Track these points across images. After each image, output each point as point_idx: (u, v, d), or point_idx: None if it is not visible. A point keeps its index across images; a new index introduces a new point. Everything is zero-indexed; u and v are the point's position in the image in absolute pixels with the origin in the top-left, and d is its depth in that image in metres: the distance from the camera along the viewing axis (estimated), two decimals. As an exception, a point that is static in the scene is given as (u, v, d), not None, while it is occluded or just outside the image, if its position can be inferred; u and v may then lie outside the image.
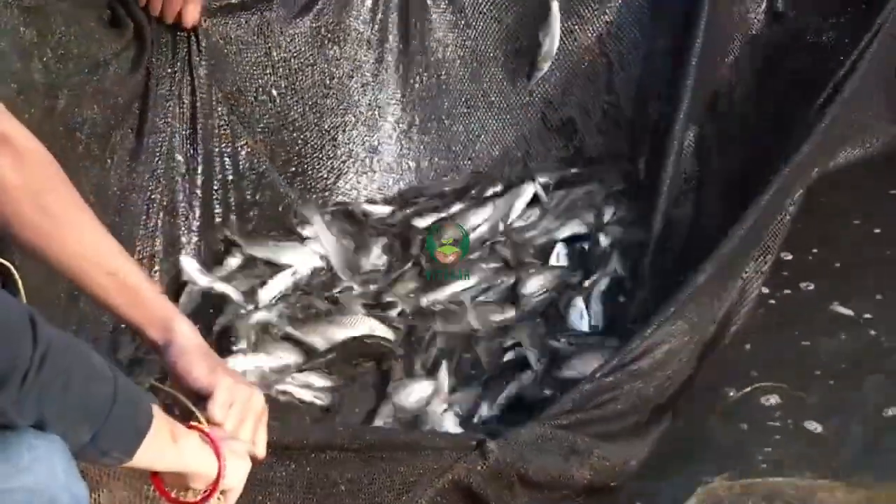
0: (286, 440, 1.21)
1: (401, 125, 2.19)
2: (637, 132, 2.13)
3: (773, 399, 1.62)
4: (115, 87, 1.80)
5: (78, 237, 1.09)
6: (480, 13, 2.19)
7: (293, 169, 2.14)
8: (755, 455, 1.50)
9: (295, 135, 2.11)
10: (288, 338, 1.73)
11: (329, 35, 2.12)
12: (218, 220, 1.99)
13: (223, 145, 2.04)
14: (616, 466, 1.39)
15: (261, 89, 2.07)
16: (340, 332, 1.74)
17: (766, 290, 1.86)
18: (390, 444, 1.37)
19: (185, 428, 1.00)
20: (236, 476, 1.03)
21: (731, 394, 1.62)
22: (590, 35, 2.12)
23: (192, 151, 1.95)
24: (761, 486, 1.42)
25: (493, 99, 2.19)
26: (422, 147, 2.19)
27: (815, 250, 1.98)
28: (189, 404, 1.01)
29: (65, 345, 0.90)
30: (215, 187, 2.02)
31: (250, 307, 1.80)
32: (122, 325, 1.25)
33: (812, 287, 1.92)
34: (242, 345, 1.69)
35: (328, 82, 2.13)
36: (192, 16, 1.84)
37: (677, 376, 1.55)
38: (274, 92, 2.10)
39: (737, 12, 2.04)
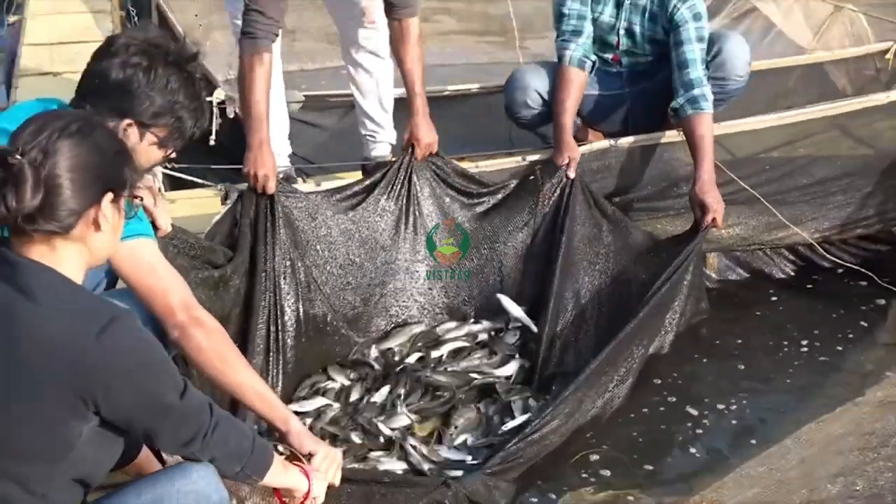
0: (346, 476, 1.75)
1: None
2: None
3: (595, 457, 2.10)
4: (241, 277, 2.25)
5: (243, 376, 1.65)
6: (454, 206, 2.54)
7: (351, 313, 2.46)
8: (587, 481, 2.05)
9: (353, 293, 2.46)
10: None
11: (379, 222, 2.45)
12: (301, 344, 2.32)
13: (302, 301, 2.34)
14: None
15: (334, 257, 2.41)
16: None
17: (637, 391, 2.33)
18: (399, 480, 1.98)
19: (290, 464, 1.55)
20: (319, 490, 1.58)
21: (576, 456, 2.10)
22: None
23: (280, 308, 2.27)
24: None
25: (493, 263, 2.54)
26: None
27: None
28: (302, 458, 1.58)
29: (226, 417, 1.43)
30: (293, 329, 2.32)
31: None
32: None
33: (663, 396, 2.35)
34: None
35: (371, 252, 2.46)
36: (270, 188, 2.24)
37: (553, 445, 2.08)
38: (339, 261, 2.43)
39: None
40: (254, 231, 2.29)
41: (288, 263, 2.34)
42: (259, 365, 2.24)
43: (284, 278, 2.33)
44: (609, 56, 2.73)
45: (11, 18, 4.06)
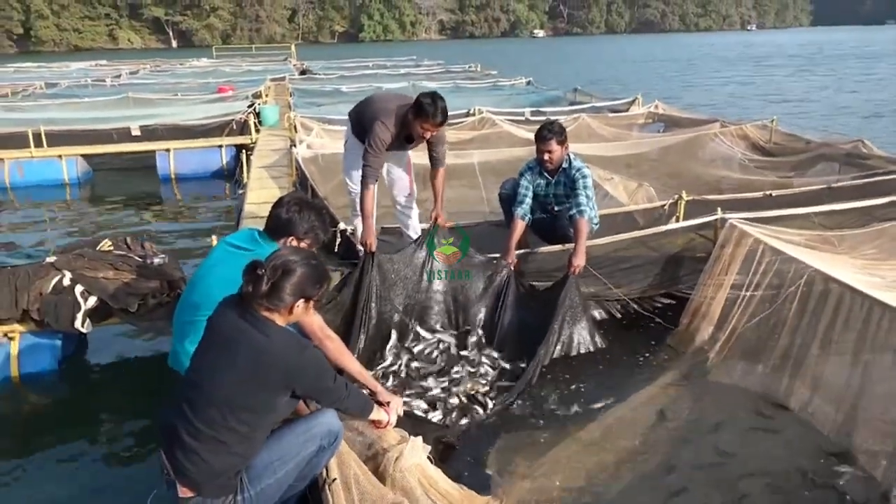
0: (405, 412, 2.20)
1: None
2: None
3: (528, 403, 2.80)
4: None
5: (352, 365, 2.21)
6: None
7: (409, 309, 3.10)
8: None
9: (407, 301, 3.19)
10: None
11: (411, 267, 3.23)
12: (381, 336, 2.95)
13: (381, 307, 3.09)
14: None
15: (399, 281, 3.17)
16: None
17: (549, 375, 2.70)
18: (426, 420, 2.57)
19: (378, 406, 2.07)
20: (393, 420, 2.12)
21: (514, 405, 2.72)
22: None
23: (369, 312, 2.98)
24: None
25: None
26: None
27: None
28: (385, 404, 2.14)
29: (354, 388, 1.93)
30: (378, 324, 2.99)
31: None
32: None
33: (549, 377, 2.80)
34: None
35: (414, 285, 3.17)
36: (372, 247, 3.01)
37: (510, 399, 2.69)
38: (401, 283, 3.15)
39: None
40: (361, 268, 2.90)
41: (375, 286, 2.97)
42: (355, 337, 2.78)
43: (373, 292, 2.91)
44: (549, 206, 3.44)
45: (241, 190, 5.47)
